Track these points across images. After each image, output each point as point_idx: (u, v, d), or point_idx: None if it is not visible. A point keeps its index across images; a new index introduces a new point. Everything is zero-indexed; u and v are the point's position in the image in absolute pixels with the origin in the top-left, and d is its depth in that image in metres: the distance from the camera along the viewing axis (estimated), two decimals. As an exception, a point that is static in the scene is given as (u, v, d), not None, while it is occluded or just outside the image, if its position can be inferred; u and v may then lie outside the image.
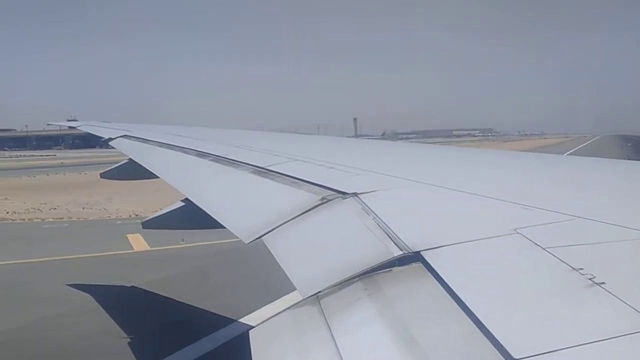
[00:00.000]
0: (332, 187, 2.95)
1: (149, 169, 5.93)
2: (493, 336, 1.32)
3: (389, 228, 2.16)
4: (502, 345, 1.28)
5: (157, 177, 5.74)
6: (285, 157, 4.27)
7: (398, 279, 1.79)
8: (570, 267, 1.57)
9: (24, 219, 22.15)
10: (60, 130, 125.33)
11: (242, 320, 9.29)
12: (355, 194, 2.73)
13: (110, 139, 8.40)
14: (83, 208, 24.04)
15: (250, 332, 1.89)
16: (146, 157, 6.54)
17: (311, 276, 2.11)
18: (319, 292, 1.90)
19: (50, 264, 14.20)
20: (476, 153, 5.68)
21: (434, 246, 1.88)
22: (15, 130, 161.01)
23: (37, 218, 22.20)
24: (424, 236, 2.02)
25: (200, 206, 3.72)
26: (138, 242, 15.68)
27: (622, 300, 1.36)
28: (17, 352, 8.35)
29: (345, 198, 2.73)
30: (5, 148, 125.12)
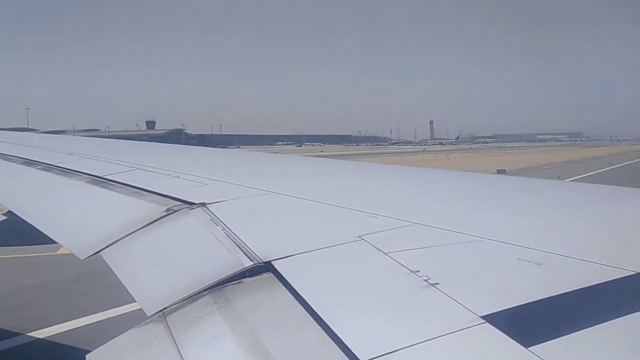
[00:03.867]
0: (179, 197, 2.84)
1: None
2: (341, 341, 1.36)
3: (239, 238, 2.12)
4: (349, 349, 1.33)
5: None
6: (128, 166, 4.01)
7: (249, 291, 1.77)
8: (409, 270, 1.68)
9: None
10: (138, 131, 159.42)
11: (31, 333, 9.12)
12: (203, 204, 2.65)
13: None
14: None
15: (87, 356, 1.72)
16: None
17: (156, 292, 1.99)
18: (165, 308, 1.79)
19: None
20: (326, 163, 5.89)
21: (284, 255, 1.89)
22: (100, 130, 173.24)
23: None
24: (274, 246, 2.02)
25: (27, 220, 3.33)
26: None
27: (453, 299, 1.48)
28: None
29: (193, 208, 2.64)
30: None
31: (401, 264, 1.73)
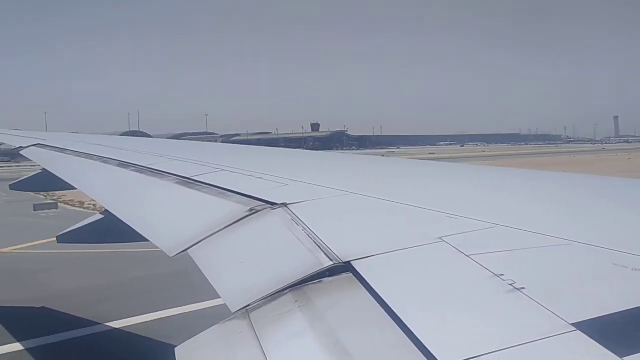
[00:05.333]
0: (261, 197, 2.92)
1: (65, 179, 5.62)
2: (422, 344, 1.35)
3: (319, 238, 2.15)
4: (430, 352, 1.31)
5: (74, 188, 5.46)
6: (213, 168, 4.18)
7: (329, 290, 1.79)
8: (492, 273, 1.63)
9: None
10: (303, 134, 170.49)
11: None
12: (284, 205, 2.71)
13: (22, 148, 7.93)
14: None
15: (176, 349, 1.81)
16: (62, 168, 6.21)
17: (240, 289, 2.06)
18: (248, 305, 1.86)
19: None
20: (408, 164, 5.84)
21: (363, 256, 1.89)
22: (270, 133, 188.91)
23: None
24: (354, 246, 2.03)
25: (122, 219, 3.56)
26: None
27: (541, 305, 1.42)
28: None
29: (275, 209, 2.71)
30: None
31: (484, 267, 1.68)
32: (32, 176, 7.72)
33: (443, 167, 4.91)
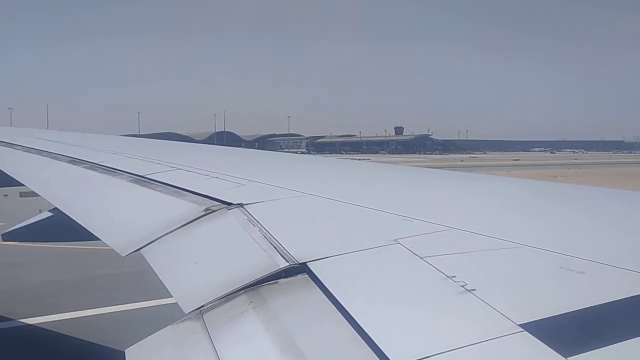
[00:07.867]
0: (217, 197, 2.88)
1: (12, 175, 5.39)
2: (375, 344, 1.36)
3: (275, 239, 2.14)
4: (383, 353, 1.32)
5: (21, 184, 5.24)
6: (168, 166, 4.10)
7: (284, 291, 1.78)
8: (445, 275, 1.67)
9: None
10: (386, 137, 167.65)
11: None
12: (240, 205, 2.69)
13: None
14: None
15: (127, 351, 1.77)
16: (9, 163, 5.96)
17: (194, 290, 2.03)
18: (202, 306, 1.83)
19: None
20: (368, 167, 5.88)
21: (319, 257, 1.90)
22: (355, 135, 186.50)
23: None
24: (310, 247, 2.03)
25: (72, 217, 3.45)
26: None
27: (490, 306, 1.46)
28: None
29: (230, 209, 2.68)
30: (342, 152, 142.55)
31: (437, 269, 1.71)
32: None
33: (402, 171, 4.98)
